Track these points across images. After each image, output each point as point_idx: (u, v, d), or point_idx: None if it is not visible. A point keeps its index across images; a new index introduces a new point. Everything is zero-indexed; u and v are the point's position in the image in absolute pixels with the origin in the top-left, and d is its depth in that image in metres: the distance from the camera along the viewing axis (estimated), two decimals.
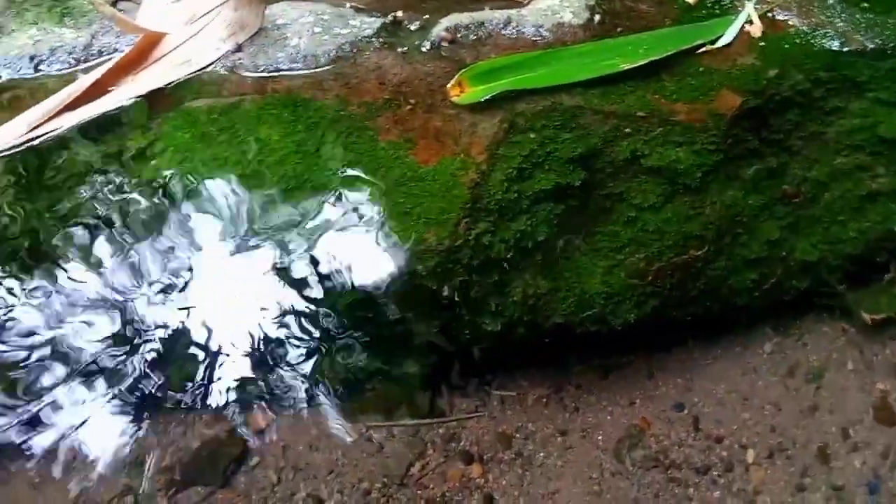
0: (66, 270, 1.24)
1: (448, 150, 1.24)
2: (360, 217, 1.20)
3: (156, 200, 1.25)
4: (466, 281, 1.18)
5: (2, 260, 1.23)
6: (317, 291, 1.32)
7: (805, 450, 1.36)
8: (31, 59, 1.38)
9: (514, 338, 1.31)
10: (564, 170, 1.22)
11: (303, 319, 1.38)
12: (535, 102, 1.27)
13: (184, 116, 1.30)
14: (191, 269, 1.31)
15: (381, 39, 1.40)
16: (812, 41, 1.36)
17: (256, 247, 1.26)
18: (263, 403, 1.48)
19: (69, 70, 1.39)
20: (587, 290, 1.26)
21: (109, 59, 1.41)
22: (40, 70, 1.39)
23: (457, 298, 1.20)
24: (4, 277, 1.24)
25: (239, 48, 1.41)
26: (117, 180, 1.24)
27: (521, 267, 1.22)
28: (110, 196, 1.25)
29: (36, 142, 1.25)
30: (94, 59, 1.42)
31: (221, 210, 1.23)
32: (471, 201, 1.17)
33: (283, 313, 1.38)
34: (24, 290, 1.26)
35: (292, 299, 1.34)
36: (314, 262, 1.25)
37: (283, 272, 1.28)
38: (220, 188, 1.23)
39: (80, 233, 1.24)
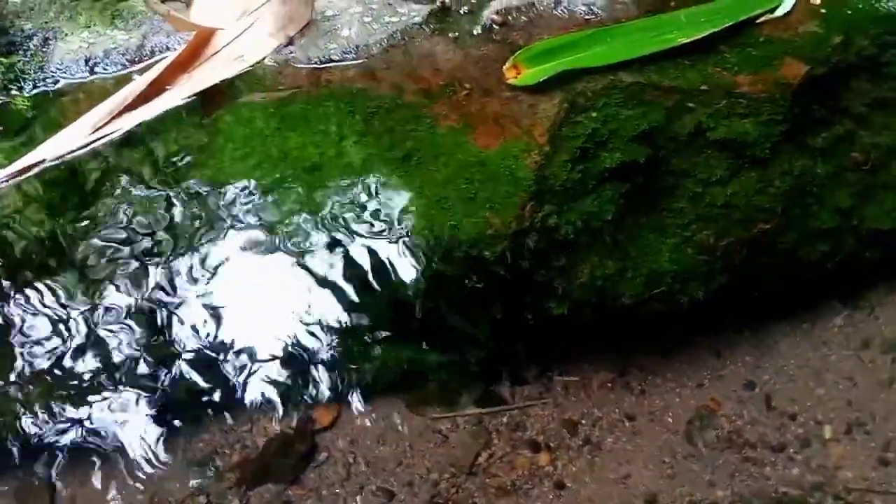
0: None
1: (509, 133, 1.23)
2: (423, 206, 1.21)
3: (218, 198, 1.28)
4: (533, 265, 1.18)
5: (71, 265, 1.26)
6: (378, 283, 1.33)
7: (886, 423, 1.32)
8: (87, 61, 1.40)
9: (580, 321, 1.31)
10: (628, 148, 1.20)
11: (365, 311, 1.39)
12: (594, 81, 1.25)
13: (241, 112, 1.31)
14: (254, 266, 1.34)
15: (431, 26, 1.40)
16: (876, 5, 1.32)
17: (320, 240, 1.28)
18: (328, 398, 1.50)
19: (124, 71, 1.40)
20: (655, 268, 1.24)
21: (163, 59, 1.43)
22: (96, 72, 1.40)
23: (522, 283, 1.21)
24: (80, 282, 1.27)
25: (290, 41, 1.41)
26: (180, 179, 1.27)
27: (587, 248, 1.20)
28: (173, 195, 1.27)
29: (99, 143, 1.28)
30: (147, 60, 1.43)
31: (286, 205, 1.25)
32: (535, 184, 1.16)
33: (346, 306, 1.39)
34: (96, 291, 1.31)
35: (355, 290, 1.35)
36: (376, 253, 1.26)
37: (348, 263, 1.30)
38: (283, 182, 1.24)
39: (144, 233, 1.27)
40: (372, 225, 1.21)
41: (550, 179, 1.17)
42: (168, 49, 1.44)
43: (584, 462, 1.36)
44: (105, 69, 1.39)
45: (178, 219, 1.25)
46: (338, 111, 1.28)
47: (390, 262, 1.26)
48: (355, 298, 1.36)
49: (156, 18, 1.47)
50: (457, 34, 1.38)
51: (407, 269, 1.25)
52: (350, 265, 1.29)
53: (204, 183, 1.24)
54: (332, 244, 1.26)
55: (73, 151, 1.24)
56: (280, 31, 1.42)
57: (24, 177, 1.21)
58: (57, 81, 1.38)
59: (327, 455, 1.44)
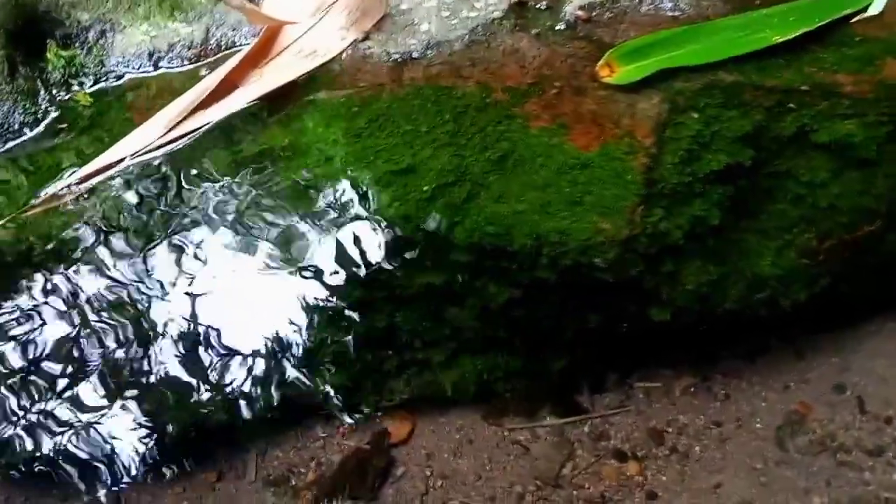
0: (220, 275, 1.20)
1: (608, 133, 1.19)
2: (525, 210, 1.16)
3: (305, 200, 1.21)
4: (642, 271, 1.15)
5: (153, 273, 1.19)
6: (467, 290, 1.27)
7: None
8: (150, 55, 1.32)
9: (675, 327, 1.28)
10: (733, 149, 1.16)
11: (446, 319, 1.34)
12: (691, 80, 1.21)
13: (323, 110, 1.24)
14: (336, 270, 1.28)
15: (511, 21, 1.36)
16: None
17: (409, 245, 1.22)
18: (402, 411, 1.45)
19: (190, 66, 1.33)
20: (758, 273, 1.21)
21: (230, 53, 1.35)
22: (160, 67, 1.33)
23: (627, 290, 1.17)
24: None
25: (366, 36, 1.36)
26: (265, 180, 1.20)
27: (693, 253, 1.17)
28: (258, 197, 1.21)
29: (176, 142, 1.21)
30: (213, 54, 1.37)
31: (377, 207, 1.19)
32: (645, 187, 1.13)
33: (425, 313, 1.34)
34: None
35: (438, 298, 1.30)
36: (468, 260, 1.21)
37: (434, 269, 1.25)
38: (374, 185, 1.18)
39: (231, 234, 1.20)
40: (468, 230, 1.16)
41: (659, 182, 1.13)
42: (234, 43, 1.37)
43: (674, 471, 1.33)
44: (170, 63, 1.32)
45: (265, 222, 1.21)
46: (425, 110, 1.22)
47: (483, 269, 1.22)
48: (437, 306, 1.33)
49: (217, 10, 1.39)
50: (539, 30, 1.34)
51: (503, 277, 1.21)
52: (436, 272, 1.26)
53: (289, 184, 1.20)
54: (423, 249, 1.22)
55: (149, 150, 1.17)
56: (353, 25, 1.35)
57: (101, 177, 1.14)
58: (120, 76, 1.31)
59: (404, 470, 1.39)
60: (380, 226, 1.20)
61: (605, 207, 1.12)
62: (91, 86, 1.27)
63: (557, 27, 1.33)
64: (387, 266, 1.24)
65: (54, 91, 1.25)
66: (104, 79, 1.28)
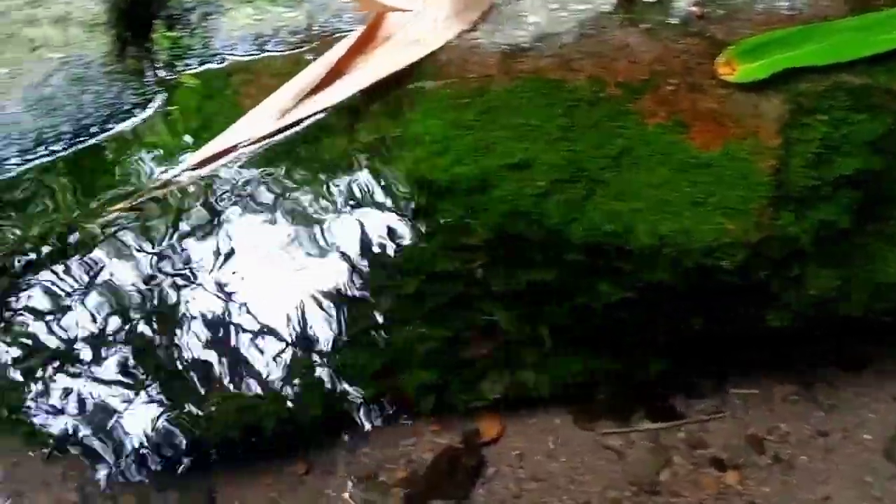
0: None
1: (730, 133, 1.14)
2: (643, 209, 1.13)
3: (414, 194, 1.19)
4: (768, 275, 1.11)
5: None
6: (570, 289, 1.25)
7: None
8: (256, 39, 1.31)
9: (783, 332, 1.24)
10: (863, 153, 1.12)
11: (542, 318, 1.31)
12: (815, 81, 1.16)
13: (432, 100, 1.21)
14: (436, 265, 1.25)
15: (620, 15, 1.33)
16: None
17: (518, 241, 1.20)
18: (491, 411, 1.42)
19: (295, 51, 1.31)
20: (883, 279, 1.17)
21: (333, 40, 1.33)
22: (265, 51, 1.31)
23: (747, 294, 1.14)
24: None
25: (473, 27, 1.34)
26: (376, 172, 1.18)
27: (819, 258, 1.14)
28: (368, 190, 1.19)
29: (290, 129, 1.18)
30: (316, 40, 1.35)
31: (490, 202, 1.16)
32: (773, 189, 1.10)
33: (523, 311, 1.31)
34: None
35: (538, 296, 1.27)
36: (576, 258, 1.18)
37: (540, 265, 1.21)
38: (488, 179, 1.16)
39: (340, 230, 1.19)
40: (584, 228, 1.12)
41: (788, 185, 1.10)
42: (337, 29, 1.37)
43: (777, 482, 1.29)
44: (275, 47, 1.31)
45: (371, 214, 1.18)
46: (536, 103, 1.18)
47: (594, 269, 1.19)
48: (537, 305, 1.31)
49: None
50: (649, 25, 1.30)
51: (614, 277, 1.18)
52: (543, 270, 1.23)
53: (401, 176, 1.18)
54: (533, 246, 1.20)
55: (264, 137, 1.16)
56: (460, 14, 1.32)
57: (218, 162, 1.13)
58: (224, 59, 1.29)
59: (495, 470, 1.36)
60: (487, 221, 1.19)
61: (730, 209, 1.08)
62: (196, 68, 1.27)
63: (668, 22, 1.31)
64: (494, 262, 1.25)
65: (161, 72, 1.25)
66: (209, 61, 1.27)
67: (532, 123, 1.19)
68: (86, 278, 1.12)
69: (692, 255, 1.09)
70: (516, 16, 1.34)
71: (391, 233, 1.24)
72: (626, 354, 1.37)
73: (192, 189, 1.12)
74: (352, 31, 1.34)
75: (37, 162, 1.15)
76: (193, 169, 1.14)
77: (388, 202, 1.22)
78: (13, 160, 1.15)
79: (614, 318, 1.26)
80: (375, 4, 1.26)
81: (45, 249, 1.12)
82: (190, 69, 1.25)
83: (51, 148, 1.15)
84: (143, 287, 1.14)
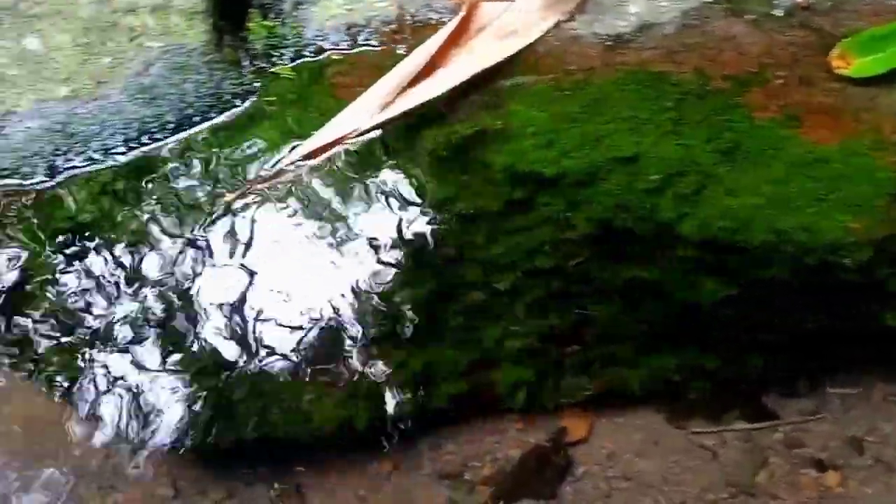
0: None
1: (848, 128, 1.11)
2: (760, 205, 1.10)
3: (514, 187, 1.17)
4: (889, 274, 1.09)
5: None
6: (673, 286, 1.22)
7: None
8: (349, 29, 1.27)
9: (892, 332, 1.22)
10: None
11: (641, 316, 1.30)
12: None
13: (533, 93, 1.18)
14: (536, 260, 1.23)
15: (722, 5, 1.30)
16: None
17: (622, 236, 1.17)
18: (579, 409, 1.41)
19: (387, 42, 1.30)
20: None
21: (425, 30, 1.30)
22: (358, 42, 1.28)
23: (865, 292, 1.11)
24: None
25: (569, 17, 1.31)
26: (474, 165, 1.15)
27: None
28: (465, 184, 1.15)
29: (391, 122, 1.16)
30: (408, 30, 1.32)
31: (598, 196, 1.13)
32: None
33: (621, 310, 1.29)
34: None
35: (638, 293, 1.25)
36: (689, 258, 1.16)
37: (642, 260, 1.19)
38: (596, 173, 1.13)
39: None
40: (698, 224, 1.09)
41: None
42: (429, 20, 1.34)
43: (880, 484, 1.26)
44: (368, 38, 1.28)
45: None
46: (642, 96, 1.16)
47: (703, 265, 1.16)
48: (637, 301, 1.28)
49: None
50: (754, 16, 1.28)
51: (724, 273, 1.16)
52: (649, 265, 1.21)
53: (502, 170, 1.15)
54: (640, 241, 1.17)
55: (366, 130, 1.13)
56: (554, 5, 1.30)
57: (322, 156, 1.10)
58: (319, 50, 1.26)
59: (584, 469, 1.35)
60: (592, 215, 1.17)
61: (853, 205, 1.05)
62: (290, 58, 1.24)
63: (773, 13, 1.29)
64: (594, 257, 1.22)
65: (257, 62, 1.22)
66: (303, 51, 1.24)
67: (641, 117, 1.16)
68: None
69: (815, 253, 1.06)
70: (615, 6, 1.32)
71: (487, 227, 1.24)
72: (721, 352, 1.35)
73: (297, 181, 1.12)
74: (443, 20, 1.32)
75: (141, 151, 1.15)
76: (299, 161, 1.13)
77: (486, 196, 1.21)
78: (119, 149, 1.13)
79: (716, 314, 1.25)
80: None
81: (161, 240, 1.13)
82: (284, 59, 1.22)
83: (155, 137, 1.14)
84: (246, 283, 1.14)
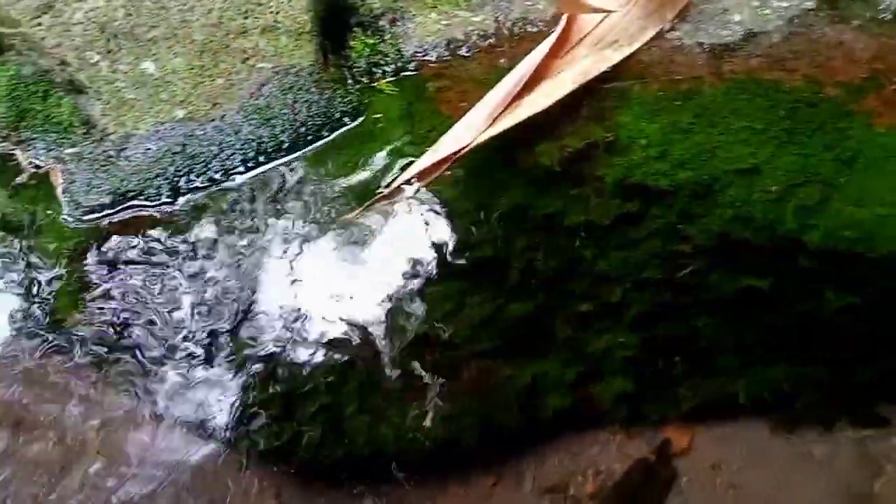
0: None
1: None
2: (885, 214, 1.09)
3: (631, 202, 1.16)
4: None
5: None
6: (782, 295, 1.21)
7: None
8: (448, 44, 1.28)
9: None
10: None
11: (751, 327, 1.28)
12: None
13: (641, 104, 1.18)
14: (645, 272, 1.22)
15: (827, 12, 1.29)
16: None
17: (743, 247, 1.16)
18: (680, 420, 1.39)
19: (487, 56, 1.28)
20: None
21: (523, 43, 1.31)
22: (458, 55, 1.28)
23: None
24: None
25: (672, 27, 1.31)
26: (582, 178, 1.15)
27: None
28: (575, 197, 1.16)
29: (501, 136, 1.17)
30: (506, 44, 1.33)
31: (716, 208, 1.12)
32: None
33: (730, 321, 1.28)
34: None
35: (747, 305, 1.24)
36: (808, 268, 1.15)
37: (761, 275, 1.19)
38: (714, 184, 1.12)
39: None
40: (822, 234, 1.07)
41: None
42: (526, 32, 1.33)
43: None
44: (468, 52, 1.29)
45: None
46: (755, 106, 1.15)
47: (822, 275, 1.15)
48: (747, 312, 1.27)
49: None
50: (860, 21, 1.26)
51: (844, 284, 1.14)
52: (765, 276, 1.20)
53: (614, 182, 1.14)
54: (757, 252, 1.16)
55: (477, 146, 1.12)
56: (654, 14, 1.29)
57: (437, 172, 1.11)
58: (420, 65, 1.28)
59: (689, 481, 1.33)
60: (708, 227, 1.16)
61: None
62: (392, 74, 1.25)
63: (880, 17, 1.27)
64: (703, 269, 1.21)
65: (361, 79, 1.24)
66: (405, 67, 1.26)
67: (756, 127, 1.16)
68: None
69: None
70: (718, 14, 1.30)
71: (596, 240, 1.24)
72: (831, 361, 1.33)
73: (411, 199, 1.12)
74: (540, 32, 1.32)
75: (259, 170, 1.16)
76: (416, 178, 1.14)
77: (595, 209, 1.21)
78: (239, 169, 1.16)
79: (832, 324, 1.24)
80: (579, 6, 1.23)
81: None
82: (387, 76, 1.24)
83: (271, 157, 1.15)
84: (359, 299, 1.15)
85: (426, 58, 1.28)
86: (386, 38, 1.29)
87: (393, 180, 1.13)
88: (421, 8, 1.35)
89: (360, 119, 1.20)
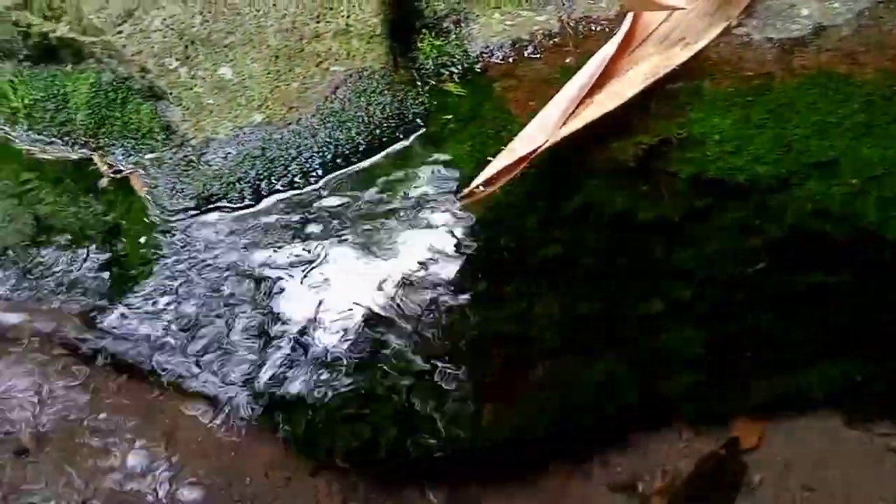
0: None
1: None
2: None
3: (703, 198, 1.17)
4: None
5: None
6: (865, 292, 1.21)
7: None
8: (514, 44, 1.29)
9: None
10: None
11: (818, 321, 1.28)
12: None
13: (712, 100, 1.18)
14: (711, 269, 1.22)
15: (893, 5, 1.29)
16: None
17: (817, 241, 1.16)
18: (751, 416, 1.38)
19: (552, 55, 1.29)
20: None
21: (589, 41, 1.32)
22: (524, 55, 1.29)
23: None
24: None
25: (739, 22, 1.31)
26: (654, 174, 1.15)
27: None
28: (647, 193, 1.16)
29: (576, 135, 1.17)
30: (571, 43, 1.34)
31: (791, 203, 1.13)
32: None
33: (796, 315, 1.27)
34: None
35: (815, 300, 1.24)
36: (884, 261, 1.14)
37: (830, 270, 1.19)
38: (790, 178, 1.13)
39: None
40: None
41: None
42: (591, 31, 1.34)
43: None
44: (534, 52, 1.30)
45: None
46: (827, 99, 1.15)
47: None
48: (814, 306, 1.26)
49: None
50: None
51: None
52: (834, 268, 1.19)
53: (688, 178, 1.15)
54: (828, 245, 1.15)
55: (550, 146, 1.12)
56: (720, 10, 1.29)
57: (512, 174, 1.11)
58: (486, 66, 1.29)
59: (761, 478, 1.33)
60: (783, 221, 1.16)
61: None
62: (460, 75, 1.26)
63: None
64: (776, 263, 1.21)
65: (430, 81, 1.25)
66: (472, 68, 1.26)
67: (830, 121, 1.16)
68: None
69: None
70: (785, 9, 1.30)
71: (666, 237, 1.24)
72: None
73: (485, 200, 1.13)
74: (605, 31, 1.32)
75: (337, 173, 1.18)
76: (492, 179, 1.14)
77: (666, 205, 1.21)
78: (317, 171, 1.17)
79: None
80: (647, 4, 1.24)
81: None
82: (455, 77, 1.25)
83: (349, 159, 1.17)
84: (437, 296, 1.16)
85: (492, 58, 1.29)
86: (451, 39, 1.30)
87: (469, 182, 1.14)
88: (484, 9, 1.36)
89: (431, 120, 1.22)
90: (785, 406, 1.35)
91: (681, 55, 1.28)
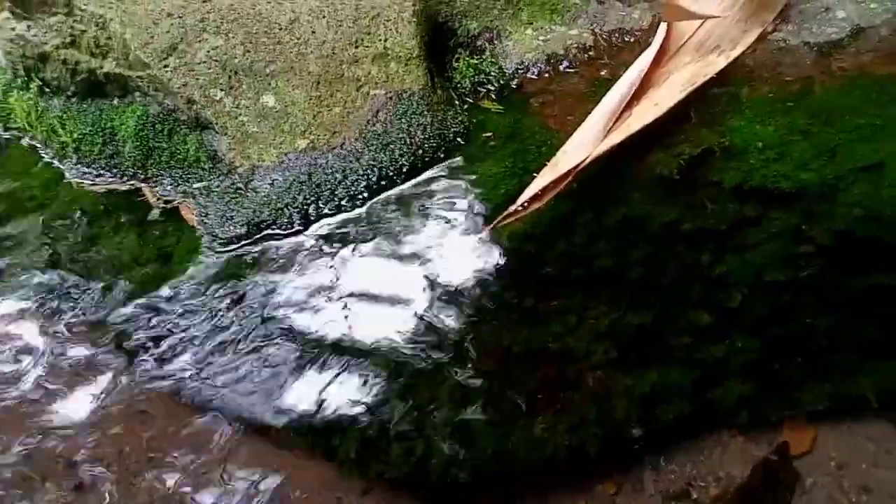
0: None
1: None
2: None
3: (750, 206, 1.16)
4: None
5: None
6: None
7: None
8: (549, 59, 1.31)
9: None
10: None
11: (874, 324, 1.27)
12: None
13: (752, 107, 1.18)
14: (760, 274, 1.22)
15: None
16: None
17: (872, 245, 1.15)
18: (802, 421, 1.38)
19: (587, 69, 1.30)
20: None
21: (622, 53, 1.33)
22: (559, 70, 1.31)
23: None
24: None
25: (774, 28, 1.31)
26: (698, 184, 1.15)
27: None
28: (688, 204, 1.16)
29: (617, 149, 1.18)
30: (605, 55, 1.34)
31: (841, 207, 1.13)
32: None
33: (851, 318, 1.26)
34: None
35: (870, 302, 1.23)
36: None
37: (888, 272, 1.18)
38: (838, 183, 1.12)
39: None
40: None
41: None
42: (624, 42, 1.35)
43: None
44: (569, 66, 1.31)
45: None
46: (871, 101, 1.15)
47: None
48: (870, 309, 1.25)
49: (592, 10, 1.37)
50: None
51: None
52: (887, 271, 1.18)
53: (732, 187, 1.15)
54: (879, 248, 1.14)
55: (592, 160, 1.14)
56: (753, 16, 1.30)
57: (557, 189, 1.11)
58: (522, 82, 1.31)
59: (814, 482, 1.32)
60: (832, 227, 1.15)
61: None
62: (497, 93, 1.28)
63: None
64: (825, 269, 1.20)
65: (468, 99, 1.27)
66: (507, 85, 1.28)
67: (875, 123, 1.16)
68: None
69: None
70: (820, 12, 1.30)
71: (713, 246, 1.23)
72: None
73: (528, 217, 1.13)
74: (639, 42, 1.33)
75: (383, 195, 1.19)
76: (538, 195, 1.15)
77: (711, 214, 1.21)
78: (364, 194, 1.18)
79: None
80: (684, 14, 1.24)
81: None
82: (491, 94, 1.27)
83: (394, 181, 1.18)
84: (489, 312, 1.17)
85: (528, 74, 1.31)
86: (486, 57, 1.32)
87: (515, 199, 1.15)
88: (517, 25, 1.38)
89: (472, 139, 1.23)
90: (836, 410, 1.35)
91: (718, 63, 1.29)
